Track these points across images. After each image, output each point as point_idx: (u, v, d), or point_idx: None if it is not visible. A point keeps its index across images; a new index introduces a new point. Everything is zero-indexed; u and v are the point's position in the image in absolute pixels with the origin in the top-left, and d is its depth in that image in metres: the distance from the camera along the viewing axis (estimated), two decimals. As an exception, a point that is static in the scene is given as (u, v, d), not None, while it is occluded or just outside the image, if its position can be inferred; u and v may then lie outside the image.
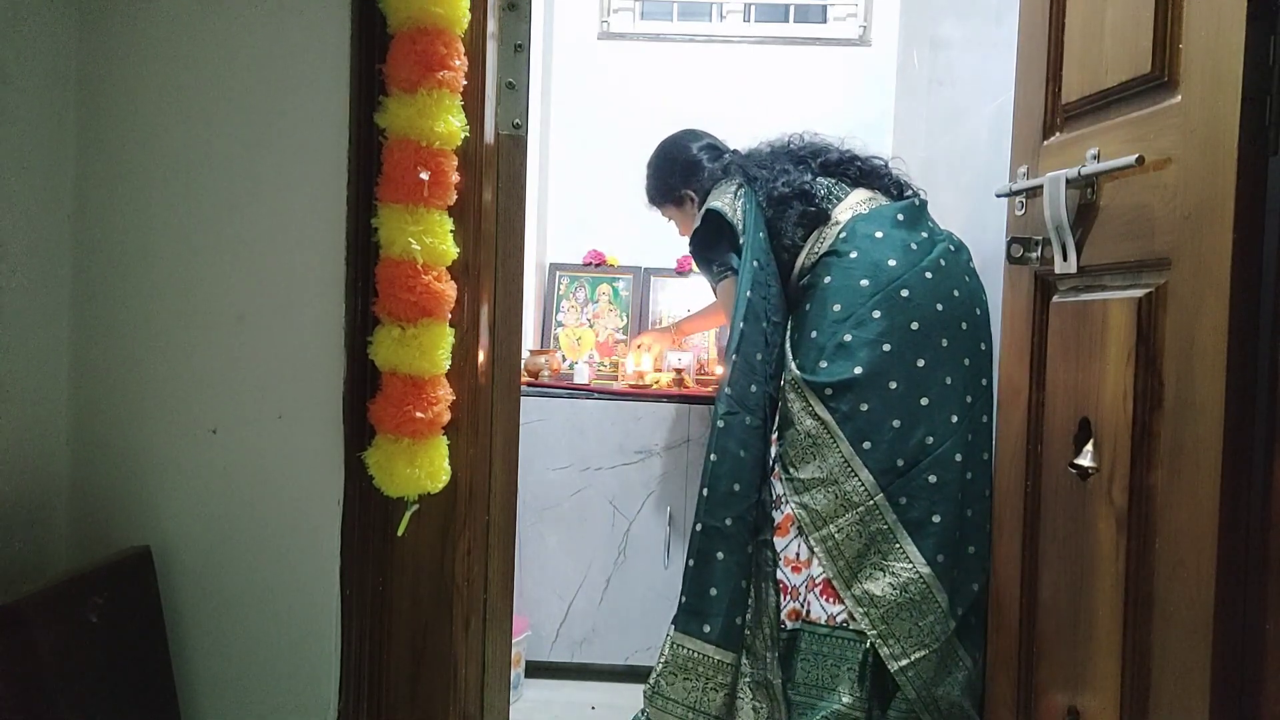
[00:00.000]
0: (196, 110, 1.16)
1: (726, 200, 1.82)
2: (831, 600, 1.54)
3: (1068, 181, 1.17)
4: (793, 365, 1.63)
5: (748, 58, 2.97)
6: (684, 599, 1.63)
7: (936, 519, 1.53)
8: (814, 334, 1.63)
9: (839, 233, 1.72)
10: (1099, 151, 1.14)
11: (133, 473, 1.17)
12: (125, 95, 1.16)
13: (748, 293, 1.69)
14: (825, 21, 3.03)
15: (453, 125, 1.12)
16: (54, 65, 1.14)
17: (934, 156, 2.48)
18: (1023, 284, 1.36)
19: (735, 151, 2.04)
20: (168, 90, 1.16)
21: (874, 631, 1.50)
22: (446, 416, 1.15)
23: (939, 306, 1.61)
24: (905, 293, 1.60)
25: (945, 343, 1.60)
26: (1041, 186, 1.22)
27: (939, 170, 2.43)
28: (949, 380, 1.58)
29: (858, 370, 1.55)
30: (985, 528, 1.55)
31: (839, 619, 1.53)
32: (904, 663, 1.49)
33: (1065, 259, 1.22)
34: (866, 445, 1.54)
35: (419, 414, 1.11)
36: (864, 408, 1.55)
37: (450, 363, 1.15)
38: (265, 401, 1.17)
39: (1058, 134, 1.28)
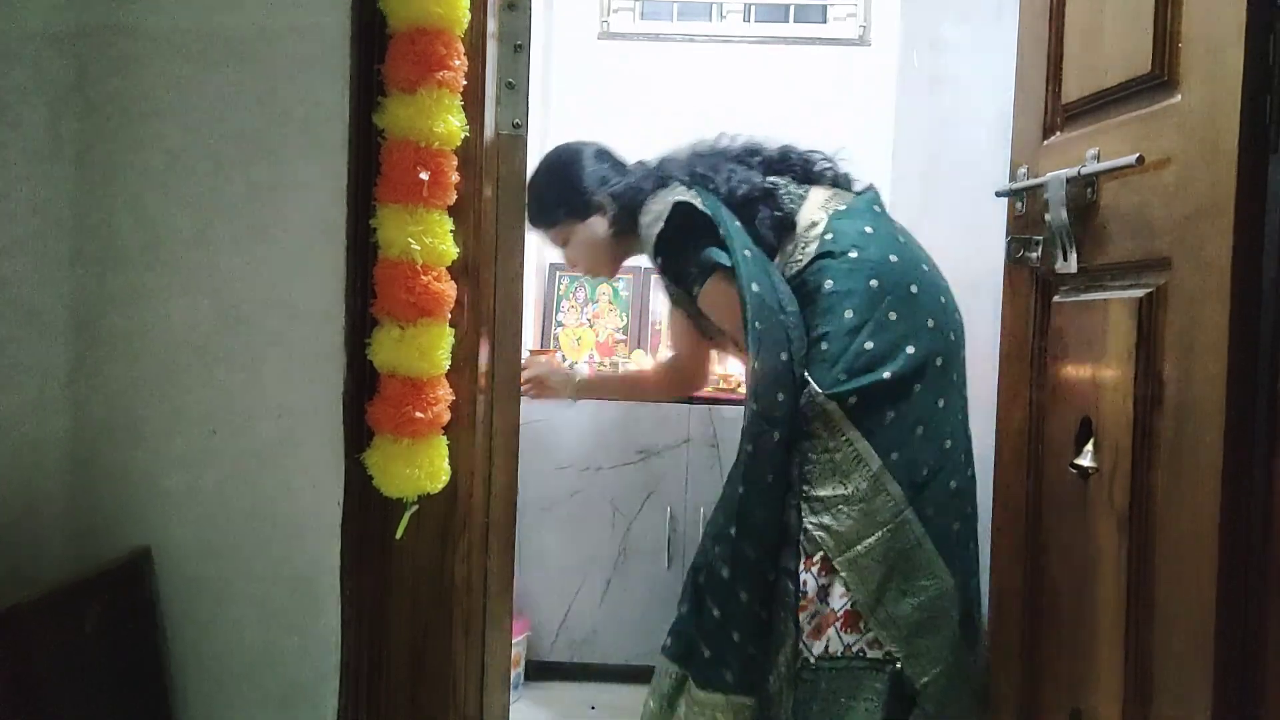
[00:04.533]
0: (194, 111, 1.16)
1: (686, 196, 1.62)
2: (849, 630, 1.41)
3: (1068, 181, 1.17)
4: (811, 383, 1.45)
5: (748, 58, 2.97)
6: (709, 653, 1.47)
7: (956, 526, 1.47)
8: (824, 346, 1.47)
9: (822, 233, 1.57)
10: (1099, 151, 1.14)
11: (132, 474, 1.17)
12: (123, 96, 1.16)
13: (754, 286, 1.49)
14: (825, 21, 3.03)
15: (452, 125, 1.12)
16: (52, 66, 1.14)
17: (934, 156, 2.48)
18: (1023, 284, 1.36)
19: (641, 161, 1.84)
20: (165, 91, 1.16)
21: (901, 653, 1.40)
22: (446, 417, 1.15)
23: (941, 300, 1.56)
24: (914, 289, 1.52)
25: (952, 337, 1.54)
26: (1041, 186, 1.22)
27: (939, 170, 2.43)
28: (955, 377, 1.53)
29: (886, 375, 1.43)
30: (976, 523, 1.52)
31: (855, 649, 1.41)
32: (925, 680, 1.41)
33: (1065, 259, 1.22)
34: (894, 456, 1.43)
35: (418, 414, 1.11)
36: (890, 416, 1.44)
37: (450, 363, 1.15)
38: (264, 403, 1.17)
39: (1058, 134, 1.27)
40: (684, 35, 2.99)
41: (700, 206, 1.58)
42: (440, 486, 1.15)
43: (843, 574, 1.40)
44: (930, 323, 1.51)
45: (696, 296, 1.62)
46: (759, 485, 1.45)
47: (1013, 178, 1.37)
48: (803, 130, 2.98)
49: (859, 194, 1.71)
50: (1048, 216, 1.22)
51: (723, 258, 1.53)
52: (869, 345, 1.45)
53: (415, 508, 1.16)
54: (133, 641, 1.11)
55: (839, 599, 1.41)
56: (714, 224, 1.56)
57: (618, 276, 2.48)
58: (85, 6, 1.15)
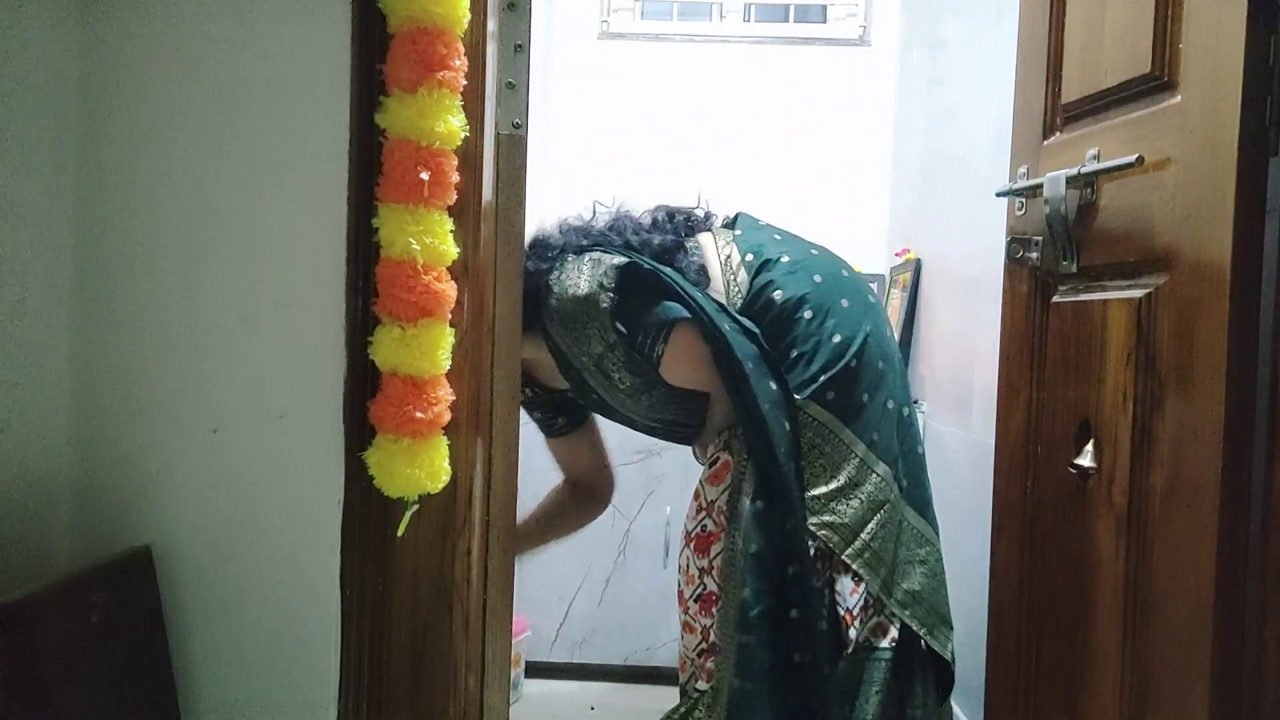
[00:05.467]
0: (197, 111, 1.16)
1: (611, 259, 1.51)
2: (861, 623, 1.40)
3: (1067, 181, 1.17)
4: (794, 395, 1.44)
5: (748, 58, 2.97)
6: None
7: (930, 490, 1.52)
8: (794, 352, 1.46)
9: (743, 259, 1.55)
10: (1099, 151, 1.14)
11: (134, 472, 1.17)
12: (126, 96, 1.16)
13: (725, 326, 1.42)
14: (825, 21, 3.03)
15: (453, 125, 1.12)
16: (55, 66, 1.14)
17: (934, 156, 2.48)
18: (1022, 284, 1.36)
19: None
20: (168, 91, 1.16)
21: (924, 630, 1.42)
22: (446, 416, 1.15)
23: (859, 276, 1.61)
24: (845, 273, 1.56)
25: (882, 306, 1.59)
26: (1041, 186, 1.22)
27: (939, 170, 2.43)
28: (894, 345, 1.58)
29: (853, 363, 1.45)
30: None
31: (861, 639, 1.40)
32: (950, 646, 1.45)
33: (1065, 259, 1.22)
34: (875, 436, 1.45)
35: (419, 414, 1.11)
36: (865, 398, 1.46)
37: (450, 363, 1.15)
38: (267, 401, 1.17)
39: (1058, 134, 1.28)
40: (684, 35, 2.99)
41: (642, 262, 1.49)
42: (441, 486, 1.15)
43: (853, 566, 1.39)
44: (871, 299, 1.55)
45: (660, 361, 1.48)
46: (798, 510, 1.39)
47: (1013, 178, 1.37)
48: (803, 130, 3.01)
49: (735, 220, 1.68)
50: (1047, 216, 1.22)
51: (679, 310, 1.44)
52: (837, 338, 1.45)
53: (416, 507, 1.16)
54: (138, 635, 1.11)
55: (851, 595, 1.39)
56: (661, 280, 1.47)
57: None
58: (88, 16, 1.15)
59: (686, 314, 1.44)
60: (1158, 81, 1.05)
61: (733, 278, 1.54)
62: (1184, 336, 0.98)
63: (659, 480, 2.35)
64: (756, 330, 1.46)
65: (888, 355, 1.52)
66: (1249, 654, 0.90)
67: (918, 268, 2.57)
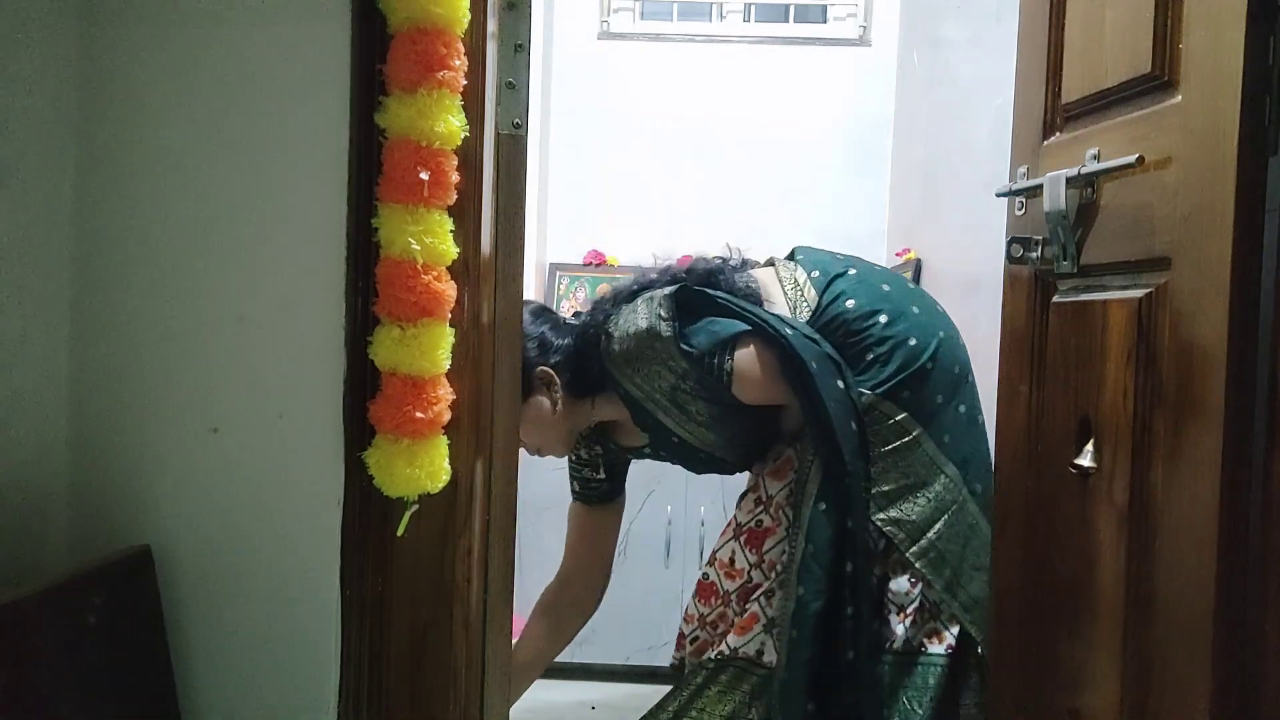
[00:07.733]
0: (197, 111, 1.16)
1: (662, 290, 1.51)
2: (913, 624, 1.44)
3: (1068, 181, 1.17)
4: (865, 391, 1.47)
5: (748, 58, 2.97)
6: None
7: (989, 494, 1.51)
8: (869, 356, 1.49)
9: (809, 275, 1.57)
10: (1099, 151, 1.14)
11: (133, 472, 1.17)
12: (125, 96, 1.16)
13: (786, 331, 1.43)
14: (825, 21, 3.03)
15: (453, 125, 1.12)
16: (54, 66, 1.14)
17: (934, 156, 2.48)
18: (1023, 284, 1.36)
19: (576, 313, 1.72)
20: (167, 91, 1.16)
21: (981, 636, 1.44)
22: (446, 416, 1.15)
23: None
24: (910, 285, 1.62)
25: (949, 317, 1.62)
26: (1041, 186, 1.22)
27: (939, 170, 2.43)
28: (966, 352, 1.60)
29: (929, 365, 1.49)
30: None
31: (915, 642, 1.44)
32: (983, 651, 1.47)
33: (1065, 259, 1.22)
34: (946, 439, 1.48)
35: (419, 414, 1.11)
36: (939, 400, 1.50)
37: (450, 363, 1.15)
38: (266, 401, 1.17)
39: (1058, 134, 1.28)
40: (684, 35, 3.00)
41: (693, 287, 1.50)
42: (441, 486, 1.15)
43: (917, 565, 1.43)
44: (939, 308, 1.59)
45: (730, 380, 1.47)
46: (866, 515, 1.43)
47: (1013, 178, 1.37)
48: (803, 130, 3.01)
49: (792, 252, 1.70)
50: (1047, 217, 1.22)
51: (737, 325, 1.46)
52: (912, 341, 1.50)
53: (416, 507, 1.16)
54: (137, 636, 1.11)
55: (906, 595, 1.44)
56: (712, 299, 1.49)
57: (617, 276, 2.48)
58: (86, 16, 1.15)
59: (745, 326, 1.46)
60: (1158, 81, 1.05)
61: (800, 295, 1.56)
62: (1184, 336, 0.98)
63: (659, 480, 2.35)
64: (818, 336, 1.48)
65: (964, 361, 1.56)
66: (1250, 649, 0.90)
67: (918, 268, 2.57)
